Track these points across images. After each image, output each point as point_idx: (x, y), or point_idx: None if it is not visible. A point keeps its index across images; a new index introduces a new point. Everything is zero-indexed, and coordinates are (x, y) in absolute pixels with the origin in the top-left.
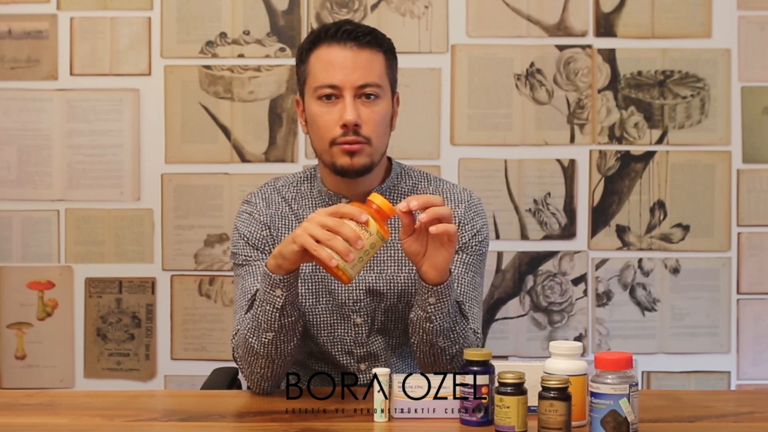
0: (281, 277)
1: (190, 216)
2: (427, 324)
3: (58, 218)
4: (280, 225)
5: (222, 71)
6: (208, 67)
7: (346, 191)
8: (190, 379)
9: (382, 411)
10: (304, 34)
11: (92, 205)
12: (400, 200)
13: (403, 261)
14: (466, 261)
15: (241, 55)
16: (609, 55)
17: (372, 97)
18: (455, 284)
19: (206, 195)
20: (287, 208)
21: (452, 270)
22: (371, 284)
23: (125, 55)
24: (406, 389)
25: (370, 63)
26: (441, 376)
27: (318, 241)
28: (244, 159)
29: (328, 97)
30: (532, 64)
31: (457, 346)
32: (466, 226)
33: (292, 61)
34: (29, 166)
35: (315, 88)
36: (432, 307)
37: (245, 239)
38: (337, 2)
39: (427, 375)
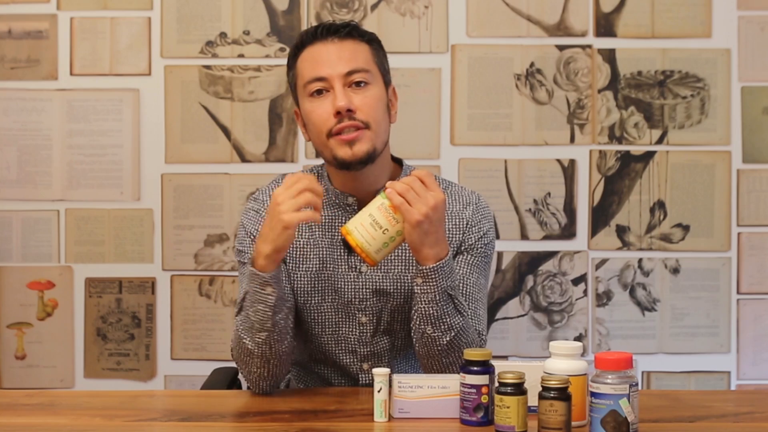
0: (271, 275)
1: (190, 216)
2: (416, 306)
3: (58, 218)
4: None
5: (222, 71)
6: (208, 67)
7: (353, 189)
8: (190, 379)
9: (382, 411)
10: None
11: (92, 205)
12: None
13: (410, 261)
14: (470, 262)
15: (241, 55)
16: (609, 55)
17: (362, 84)
18: (456, 281)
19: (206, 195)
20: None
21: (455, 269)
22: (378, 284)
23: (125, 55)
24: (407, 389)
25: (354, 52)
26: (441, 376)
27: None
28: (244, 159)
29: (319, 91)
30: (532, 64)
31: (447, 337)
32: (473, 228)
33: None
34: (29, 166)
35: (304, 85)
36: (419, 288)
37: (252, 237)
38: (337, 2)
39: (427, 375)
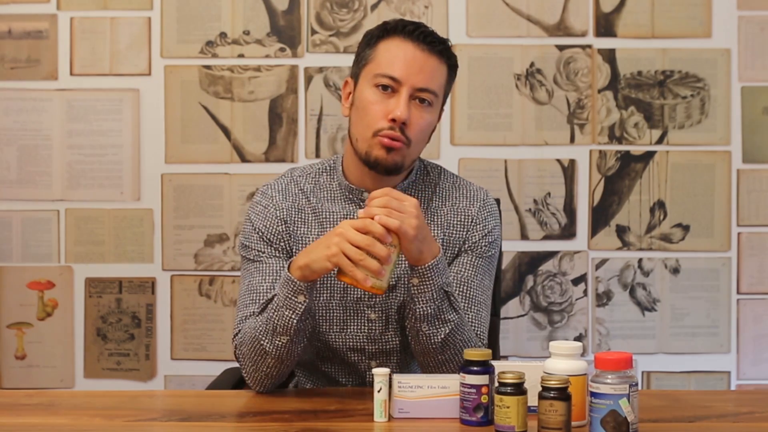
0: (306, 284)
1: (190, 216)
2: (411, 306)
3: (58, 218)
4: (296, 218)
5: (222, 71)
6: (208, 67)
7: (370, 186)
8: (190, 379)
9: (382, 411)
10: (304, 34)
11: (92, 205)
12: (422, 196)
13: None
14: (474, 263)
15: (241, 55)
16: (609, 55)
17: (425, 103)
18: (450, 277)
19: (206, 195)
20: (305, 200)
21: (459, 270)
22: None
23: (125, 55)
24: (406, 389)
25: (435, 71)
26: (441, 376)
27: (351, 260)
28: (244, 159)
29: (385, 87)
30: (532, 64)
31: (442, 334)
32: (478, 226)
33: (293, 61)
34: (29, 166)
35: (375, 75)
36: (415, 288)
37: (259, 233)
38: (337, 2)
39: (427, 375)
